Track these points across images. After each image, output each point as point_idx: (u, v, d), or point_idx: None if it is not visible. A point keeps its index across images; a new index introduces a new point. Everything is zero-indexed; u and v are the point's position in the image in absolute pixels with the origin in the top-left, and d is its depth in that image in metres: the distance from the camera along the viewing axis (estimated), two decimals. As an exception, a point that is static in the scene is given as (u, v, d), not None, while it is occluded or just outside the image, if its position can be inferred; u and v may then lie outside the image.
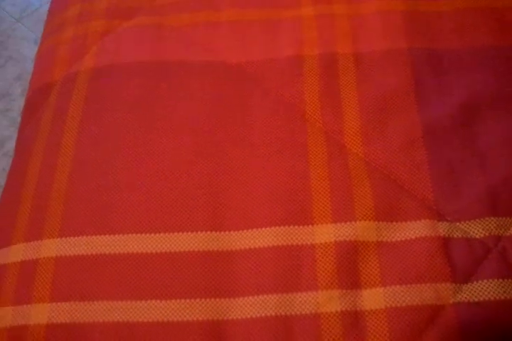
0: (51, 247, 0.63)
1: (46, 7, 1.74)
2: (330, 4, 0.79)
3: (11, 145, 1.47)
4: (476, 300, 0.58)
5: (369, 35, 0.75)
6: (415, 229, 0.62)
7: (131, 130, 0.70)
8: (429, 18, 0.76)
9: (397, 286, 0.59)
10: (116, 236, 0.63)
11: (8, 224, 0.67)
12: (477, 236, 0.61)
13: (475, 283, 0.59)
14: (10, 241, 0.65)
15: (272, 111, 0.70)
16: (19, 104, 1.56)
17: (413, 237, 0.62)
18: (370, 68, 0.73)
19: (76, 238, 0.63)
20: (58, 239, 0.63)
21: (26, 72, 1.61)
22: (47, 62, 0.81)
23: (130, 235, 0.63)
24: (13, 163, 0.74)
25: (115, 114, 0.72)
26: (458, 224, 0.62)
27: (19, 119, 1.52)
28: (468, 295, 0.58)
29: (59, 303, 0.60)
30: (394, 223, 0.63)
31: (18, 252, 0.64)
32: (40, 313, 0.59)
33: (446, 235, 0.61)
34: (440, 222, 0.62)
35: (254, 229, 0.63)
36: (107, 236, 0.63)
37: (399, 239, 0.62)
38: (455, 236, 0.62)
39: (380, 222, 0.62)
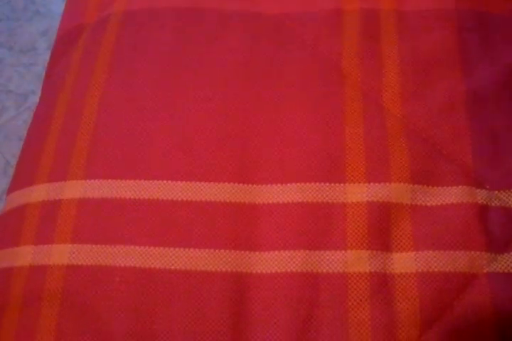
0: (75, 189, 0.61)
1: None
2: None
3: (34, 99, 1.46)
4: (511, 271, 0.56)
5: None
6: (452, 195, 0.59)
7: (163, 75, 0.67)
8: None
9: (430, 251, 0.56)
10: (142, 181, 0.61)
11: (32, 164, 0.65)
12: (516, 206, 0.59)
13: (511, 253, 0.56)
14: (33, 181, 0.64)
15: (309, 65, 0.67)
16: (44, 58, 1.54)
17: (449, 203, 0.59)
18: (414, 27, 0.69)
19: (101, 181, 0.61)
20: (83, 180, 0.61)
21: (53, 28, 1.59)
22: (79, 3, 0.78)
23: (156, 181, 0.61)
24: (40, 103, 0.72)
25: (146, 58, 0.69)
26: (496, 192, 0.60)
27: (43, 74, 1.51)
28: (503, 265, 0.56)
29: (80, 245, 0.58)
30: (430, 187, 0.60)
31: (40, 192, 0.62)
32: (61, 254, 0.58)
33: (484, 203, 0.59)
34: (478, 190, 0.60)
35: (284, 184, 0.61)
36: (132, 180, 0.61)
37: (434, 204, 0.59)
38: (493, 204, 0.59)
39: (416, 185, 0.60)
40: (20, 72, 1.51)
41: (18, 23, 1.57)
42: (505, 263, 0.56)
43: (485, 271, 0.56)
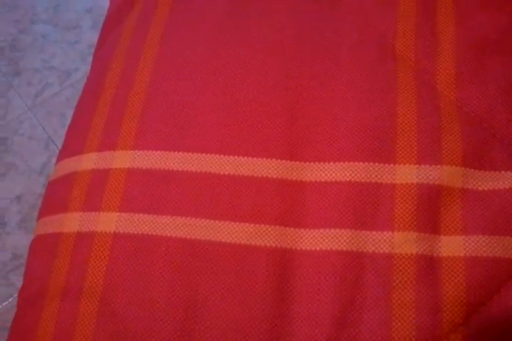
0: (124, 159, 0.62)
1: None
2: None
3: (76, 76, 1.47)
4: None
5: None
6: (505, 180, 0.58)
7: (214, 47, 0.67)
8: None
9: (480, 236, 0.55)
10: (190, 154, 0.61)
11: (82, 133, 0.66)
12: None
13: None
14: (83, 150, 0.65)
15: (362, 44, 0.66)
16: (88, 36, 1.55)
17: (502, 188, 0.58)
18: (473, 7, 0.67)
19: (149, 152, 0.62)
20: (132, 151, 0.62)
21: (97, 6, 1.60)
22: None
23: (204, 155, 0.61)
24: (91, 73, 0.73)
25: (199, 30, 0.69)
26: (552, 179, 0.58)
27: (87, 52, 1.53)
28: (554, 253, 0.55)
29: (127, 214, 0.59)
30: (482, 171, 0.59)
31: (90, 161, 0.63)
32: (108, 221, 0.59)
33: (539, 189, 0.57)
34: (533, 176, 0.58)
35: (333, 163, 0.60)
36: (180, 153, 0.61)
37: (486, 188, 0.58)
38: (548, 192, 0.57)
39: (468, 169, 0.59)
40: (64, 49, 1.52)
41: (63, 0, 1.59)
42: (558, 251, 0.55)
43: (536, 258, 0.55)
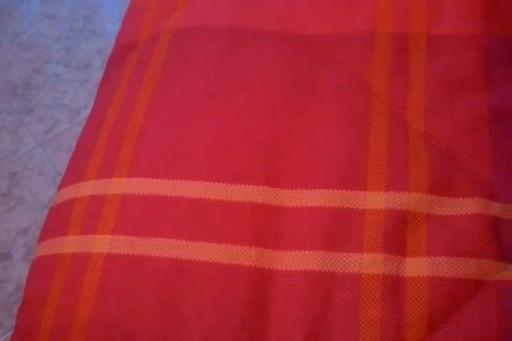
0: (119, 186, 0.68)
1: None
2: None
3: (85, 114, 1.54)
4: (519, 280, 0.58)
5: (445, 16, 0.76)
6: (467, 206, 0.63)
7: (206, 87, 0.74)
8: (509, 5, 0.76)
9: (442, 257, 0.60)
10: (179, 181, 0.67)
11: (82, 163, 0.73)
12: (528, 220, 0.62)
13: (521, 263, 0.59)
14: (83, 178, 0.71)
15: (340, 84, 0.73)
16: (98, 76, 1.63)
17: (464, 213, 0.63)
18: (442, 50, 0.74)
19: (143, 179, 0.68)
20: (127, 178, 0.68)
21: (107, 46, 1.68)
22: (134, 22, 0.86)
23: (191, 182, 0.67)
24: (94, 108, 0.80)
25: (192, 71, 0.76)
26: (510, 206, 0.63)
27: (95, 90, 1.61)
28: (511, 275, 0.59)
29: (120, 236, 0.64)
30: (446, 198, 0.64)
31: (88, 188, 0.69)
32: (102, 243, 0.64)
33: (497, 215, 0.62)
34: (493, 202, 0.63)
35: (309, 190, 0.65)
36: (171, 180, 0.67)
37: (449, 214, 0.63)
38: (505, 217, 0.62)
39: (433, 196, 0.64)
40: (75, 88, 1.59)
41: (75, 41, 1.68)
42: (514, 272, 0.59)
43: (494, 278, 0.59)
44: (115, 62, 0.84)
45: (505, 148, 0.66)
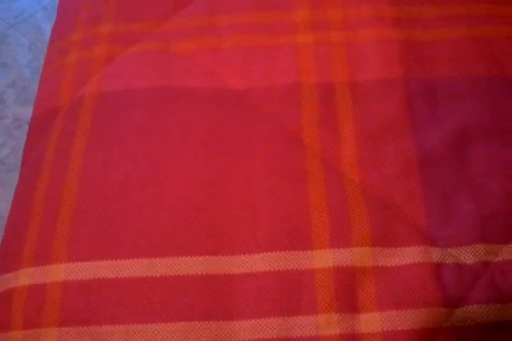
0: (58, 272, 0.65)
1: (40, 13, 1.74)
2: (327, 31, 0.82)
3: (5, 152, 1.47)
4: (468, 324, 0.61)
5: (365, 63, 0.78)
6: (409, 255, 0.65)
7: (138, 156, 0.72)
8: (424, 48, 0.79)
9: (393, 311, 0.62)
10: (120, 261, 0.65)
11: (17, 248, 0.69)
12: (467, 262, 0.64)
13: (465, 307, 0.62)
14: (19, 266, 0.67)
15: (272, 138, 0.73)
16: (12, 111, 1.56)
17: (407, 263, 0.65)
18: (366, 97, 0.76)
19: (82, 263, 0.65)
20: (65, 264, 0.65)
21: (20, 79, 1.61)
22: (52, 85, 0.82)
23: (133, 260, 0.65)
24: (20, 186, 0.76)
25: (121, 139, 0.74)
26: (449, 250, 0.65)
27: (12, 126, 1.54)
28: (460, 319, 0.62)
29: (67, 328, 0.62)
30: (389, 249, 0.66)
31: (26, 276, 0.66)
32: (50, 338, 0.61)
33: (439, 261, 0.65)
34: (432, 248, 0.65)
35: (254, 254, 0.65)
36: (111, 261, 0.65)
37: (394, 265, 0.65)
38: (447, 261, 0.65)
39: (376, 248, 0.65)
40: (-11, 125, 1.52)
41: (-15, 76, 1.60)
42: (462, 317, 0.62)
43: (444, 325, 0.61)
44: (36, 132, 0.79)
45: (437, 191, 0.69)
